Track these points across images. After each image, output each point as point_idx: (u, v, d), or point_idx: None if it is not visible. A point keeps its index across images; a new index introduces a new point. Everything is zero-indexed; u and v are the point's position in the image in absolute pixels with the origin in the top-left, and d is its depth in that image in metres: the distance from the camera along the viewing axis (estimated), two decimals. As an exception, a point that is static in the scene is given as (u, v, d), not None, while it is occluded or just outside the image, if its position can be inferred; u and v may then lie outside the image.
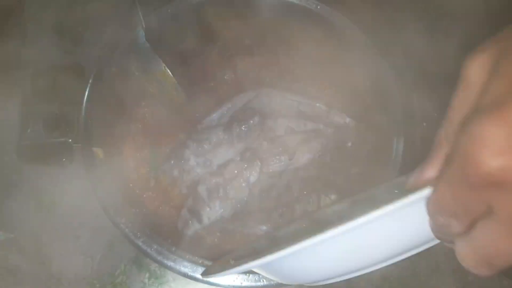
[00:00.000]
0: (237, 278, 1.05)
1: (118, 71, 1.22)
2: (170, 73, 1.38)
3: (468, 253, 0.46)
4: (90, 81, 1.20)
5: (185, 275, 1.07)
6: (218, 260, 1.00)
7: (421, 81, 1.31)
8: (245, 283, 1.05)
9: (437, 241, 0.59)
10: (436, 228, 0.53)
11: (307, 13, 1.35)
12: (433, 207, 0.50)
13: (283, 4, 1.35)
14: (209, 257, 1.09)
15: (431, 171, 0.53)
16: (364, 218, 0.53)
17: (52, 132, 1.15)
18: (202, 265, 1.07)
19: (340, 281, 0.66)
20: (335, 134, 1.35)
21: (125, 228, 1.09)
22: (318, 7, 1.33)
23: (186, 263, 1.07)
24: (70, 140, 1.15)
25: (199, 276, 1.06)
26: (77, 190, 1.51)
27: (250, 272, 1.02)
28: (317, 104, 1.40)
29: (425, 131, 1.26)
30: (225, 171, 1.28)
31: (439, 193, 0.48)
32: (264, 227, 1.23)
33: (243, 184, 1.26)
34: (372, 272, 0.65)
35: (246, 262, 0.65)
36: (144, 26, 1.24)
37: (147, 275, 1.42)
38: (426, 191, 0.50)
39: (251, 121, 1.32)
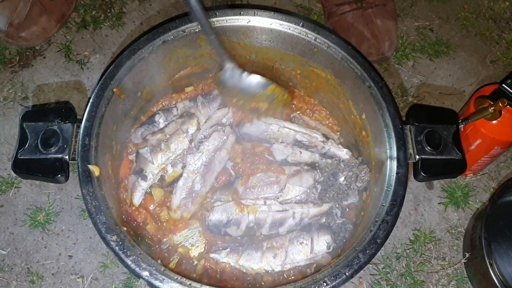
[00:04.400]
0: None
1: (118, 92, 1.24)
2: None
3: None
4: (90, 101, 1.22)
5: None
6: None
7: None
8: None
9: None
10: None
11: (306, 45, 1.37)
12: None
13: (282, 35, 1.37)
14: (197, 280, 1.07)
15: None
16: None
17: (49, 148, 1.17)
18: (190, 287, 1.06)
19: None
20: (328, 167, 1.37)
21: (115, 246, 1.08)
22: (317, 40, 1.35)
23: (173, 284, 1.05)
24: (66, 157, 1.17)
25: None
26: (72, 208, 1.53)
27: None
28: (314, 135, 1.42)
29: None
30: (166, 129, 1.36)
31: None
32: (256, 266, 1.24)
33: (183, 135, 1.35)
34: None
35: None
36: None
37: (137, 299, 1.41)
38: None
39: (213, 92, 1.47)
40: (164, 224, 1.31)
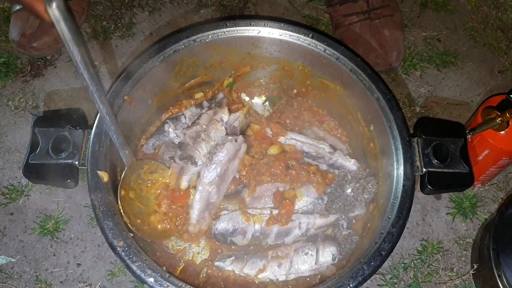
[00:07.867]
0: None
1: (129, 100, 1.26)
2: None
3: None
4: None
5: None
6: None
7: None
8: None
9: None
10: None
11: (315, 56, 1.38)
12: None
13: (291, 45, 1.38)
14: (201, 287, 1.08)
15: None
16: None
17: (60, 153, 1.18)
18: (194, 295, 1.06)
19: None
20: (336, 179, 1.37)
21: (121, 251, 1.09)
22: (326, 51, 1.36)
23: (178, 291, 1.06)
24: (76, 163, 1.18)
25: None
26: (81, 216, 1.54)
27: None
28: (321, 146, 1.42)
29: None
30: (199, 121, 1.38)
31: None
32: (261, 276, 1.25)
33: (219, 124, 1.38)
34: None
35: None
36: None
37: (144, 307, 1.41)
38: None
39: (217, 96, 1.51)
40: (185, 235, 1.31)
